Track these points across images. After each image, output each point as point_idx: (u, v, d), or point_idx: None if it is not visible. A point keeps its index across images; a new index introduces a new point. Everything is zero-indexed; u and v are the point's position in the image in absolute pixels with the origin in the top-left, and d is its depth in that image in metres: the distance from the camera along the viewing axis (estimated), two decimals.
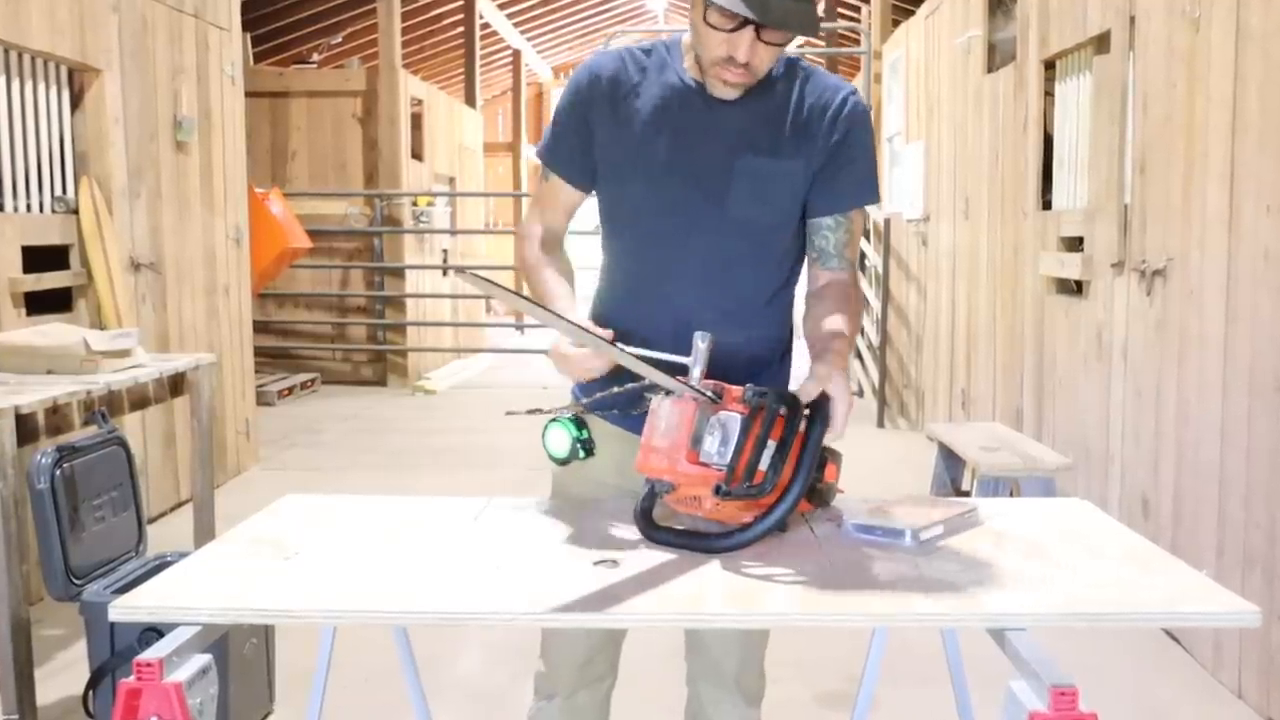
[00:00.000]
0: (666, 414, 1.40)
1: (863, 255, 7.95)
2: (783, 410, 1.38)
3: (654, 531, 1.43)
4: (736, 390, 1.42)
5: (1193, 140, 3.10)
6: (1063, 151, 4.38)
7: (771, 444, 1.36)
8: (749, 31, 1.47)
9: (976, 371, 5.52)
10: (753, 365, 1.64)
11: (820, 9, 1.56)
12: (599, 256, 1.76)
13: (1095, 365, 3.86)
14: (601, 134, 1.64)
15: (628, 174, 1.64)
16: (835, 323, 1.54)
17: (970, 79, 5.59)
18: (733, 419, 1.39)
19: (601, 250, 1.75)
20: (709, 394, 1.40)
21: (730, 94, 1.57)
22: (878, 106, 8.05)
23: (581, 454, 1.52)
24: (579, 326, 1.38)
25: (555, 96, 18.38)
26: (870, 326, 7.79)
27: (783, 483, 1.37)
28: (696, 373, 1.42)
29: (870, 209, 7.82)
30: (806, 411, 1.40)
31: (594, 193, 1.72)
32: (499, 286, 1.22)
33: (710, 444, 1.39)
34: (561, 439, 1.51)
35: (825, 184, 1.63)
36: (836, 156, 1.62)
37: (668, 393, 1.41)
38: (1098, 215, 3.81)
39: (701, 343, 1.42)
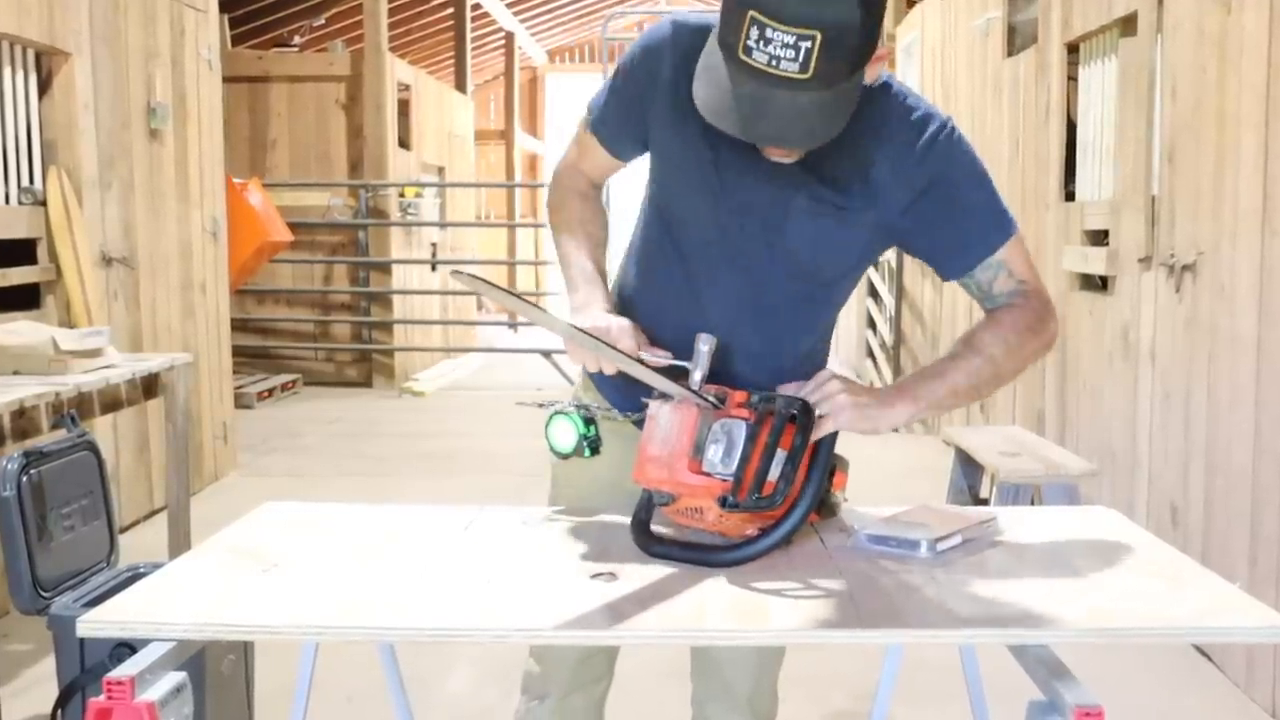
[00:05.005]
0: (665, 421, 1.40)
1: (873, 291, 7.89)
2: (793, 415, 1.37)
3: (651, 544, 1.43)
4: (741, 395, 1.41)
5: (1224, 128, 3.10)
6: (1087, 140, 4.38)
7: (781, 453, 1.35)
8: None
9: None
10: None
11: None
12: (636, 226, 1.67)
13: (1121, 365, 3.86)
14: (655, 119, 1.53)
15: (675, 179, 1.55)
16: (940, 361, 1.46)
17: (989, 63, 5.59)
18: (738, 426, 1.38)
19: (639, 225, 1.66)
20: (711, 399, 1.40)
21: (788, 160, 1.42)
22: None
23: (587, 452, 1.51)
24: (575, 328, 1.36)
25: (550, 81, 18.38)
26: (883, 325, 7.79)
27: (793, 494, 1.36)
28: (697, 377, 1.41)
29: None
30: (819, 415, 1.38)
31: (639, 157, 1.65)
32: (493, 286, 1.22)
33: (714, 453, 1.38)
34: (567, 433, 1.51)
35: (938, 243, 1.49)
36: (932, 206, 1.45)
37: (666, 397, 1.41)
38: (1124, 207, 3.81)
39: (703, 345, 1.41)
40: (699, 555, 1.39)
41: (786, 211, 1.48)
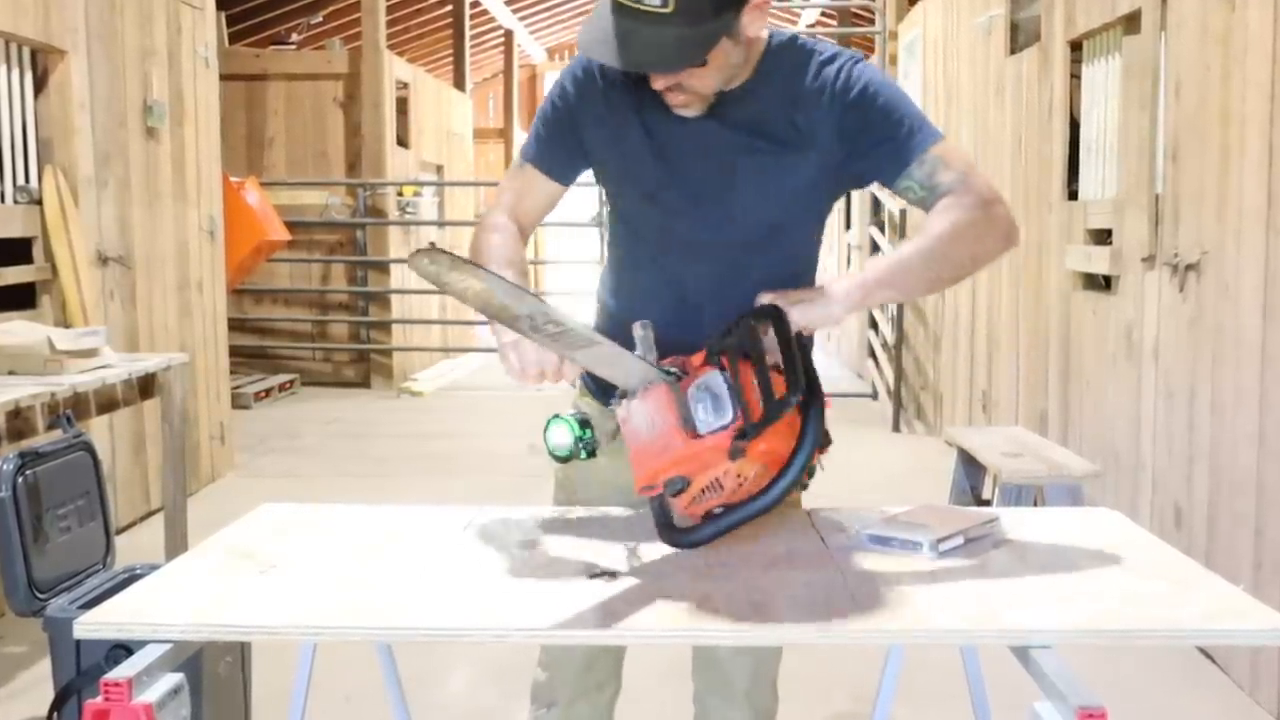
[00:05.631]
0: (640, 413, 1.40)
1: (876, 248, 7.96)
2: (753, 324, 1.40)
3: (688, 535, 1.44)
4: (697, 356, 1.43)
5: (1228, 127, 3.10)
6: (1090, 138, 4.38)
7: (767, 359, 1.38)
8: None
9: (998, 372, 5.52)
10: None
11: None
12: (607, 250, 1.75)
13: (1125, 366, 3.86)
14: (592, 135, 1.64)
15: (625, 181, 1.66)
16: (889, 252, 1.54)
17: (991, 61, 5.59)
18: (712, 378, 1.39)
19: (611, 245, 1.76)
20: (675, 371, 1.41)
21: (687, 114, 1.55)
22: None
23: (584, 454, 1.52)
24: (533, 296, 1.32)
25: (549, 79, 18.36)
26: (885, 325, 7.80)
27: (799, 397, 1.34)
28: (651, 360, 1.42)
29: (885, 199, 7.82)
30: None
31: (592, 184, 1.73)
32: (461, 260, 1.21)
33: (703, 412, 1.38)
34: (564, 436, 1.52)
35: (866, 159, 1.57)
36: (858, 132, 1.55)
37: (623, 395, 1.41)
38: (1127, 206, 3.81)
39: (642, 330, 1.42)
40: (735, 517, 1.39)
41: (733, 178, 1.58)
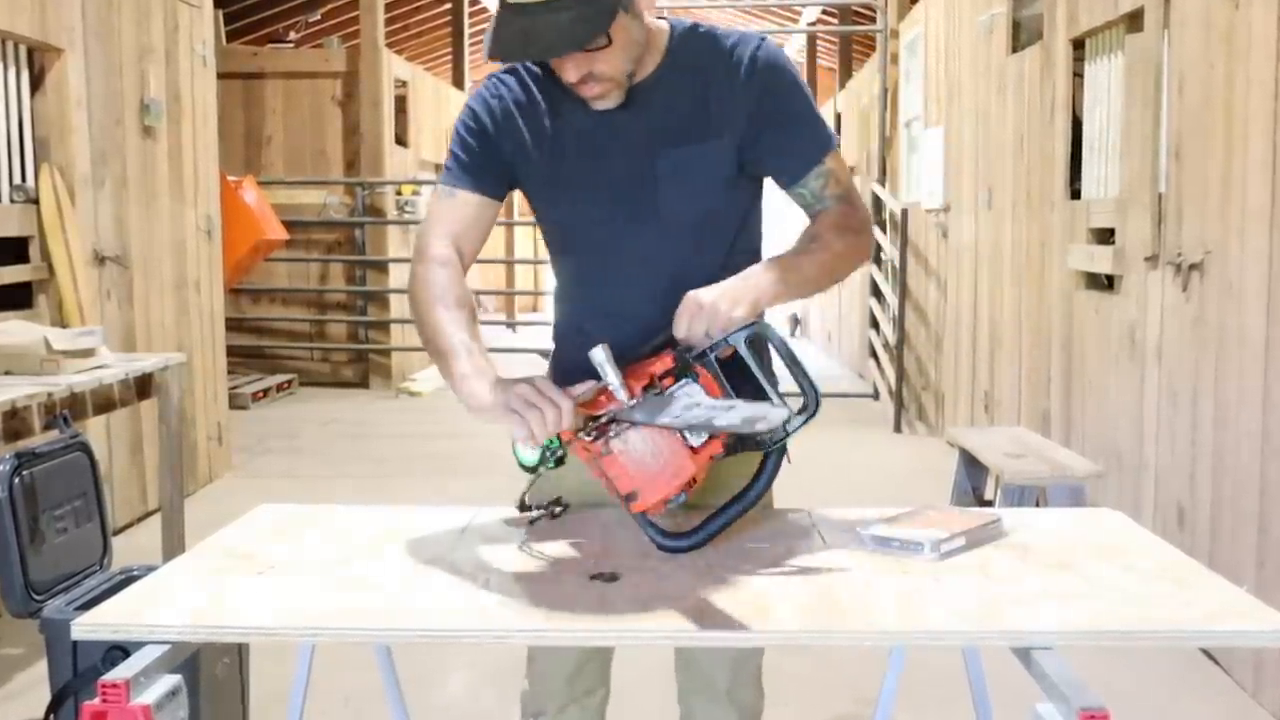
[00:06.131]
0: (641, 439, 1.41)
1: (879, 248, 7.96)
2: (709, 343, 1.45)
3: (685, 540, 1.45)
4: (659, 365, 1.45)
5: (1232, 125, 3.10)
6: (1092, 137, 4.38)
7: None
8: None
9: (1000, 372, 5.52)
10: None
11: None
12: (555, 275, 1.77)
13: (1127, 366, 3.86)
14: (513, 152, 1.63)
15: (550, 197, 1.66)
16: (793, 254, 1.57)
17: (993, 59, 5.60)
18: (691, 389, 1.42)
19: (555, 270, 1.77)
20: (654, 392, 1.43)
21: (606, 105, 1.57)
22: (894, 89, 8.05)
23: (551, 463, 1.54)
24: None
25: None
26: (886, 325, 7.80)
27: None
28: (622, 388, 1.42)
29: (886, 199, 7.82)
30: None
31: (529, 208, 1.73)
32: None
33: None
34: (531, 447, 1.52)
35: (770, 153, 1.61)
36: (766, 120, 1.59)
37: (604, 437, 1.41)
38: (1130, 205, 3.81)
39: (599, 355, 1.42)
40: (739, 508, 1.46)
41: (654, 174, 1.59)
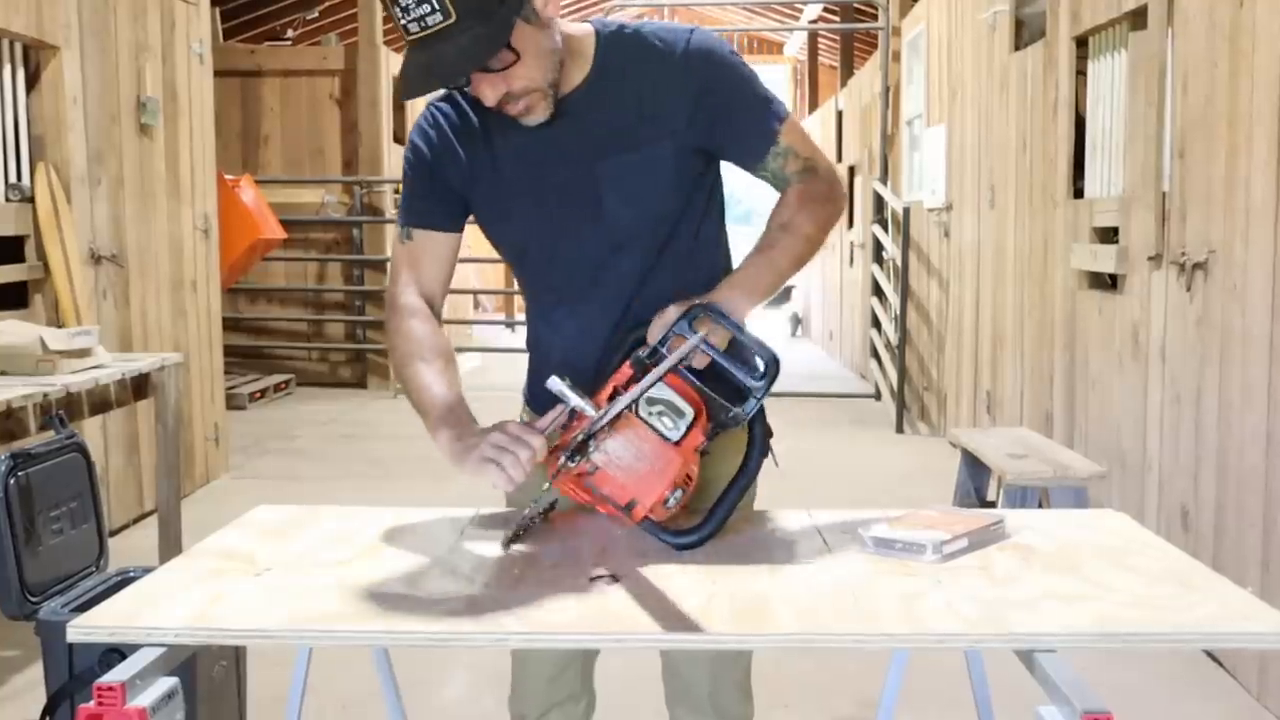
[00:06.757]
0: (621, 447, 1.43)
1: (880, 247, 7.96)
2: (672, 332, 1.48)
3: (692, 534, 1.46)
4: (621, 376, 1.47)
5: (1236, 124, 3.10)
6: (1096, 135, 4.38)
7: (704, 350, 1.46)
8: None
9: (1003, 373, 5.52)
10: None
11: None
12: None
13: (1131, 366, 3.86)
14: (459, 181, 1.63)
15: (497, 215, 1.65)
16: (766, 251, 1.58)
17: (996, 57, 5.60)
18: (659, 390, 1.44)
19: (523, 293, 1.77)
20: (622, 404, 1.43)
21: (538, 119, 1.54)
22: (896, 87, 8.05)
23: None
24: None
25: None
26: (888, 324, 7.80)
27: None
28: (588, 404, 1.44)
29: (888, 197, 7.82)
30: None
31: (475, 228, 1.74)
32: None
33: (668, 421, 1.44)
34: None
35: (726, 142, 1.61)
36: (712, 112, 1.57)
37: (578, 455, 1.42)
38: (1133, 204, 3.81)
39: (557, 383, 1.43)
40: (730, 497, 1.48)
41: (595, 183, 1.58)
